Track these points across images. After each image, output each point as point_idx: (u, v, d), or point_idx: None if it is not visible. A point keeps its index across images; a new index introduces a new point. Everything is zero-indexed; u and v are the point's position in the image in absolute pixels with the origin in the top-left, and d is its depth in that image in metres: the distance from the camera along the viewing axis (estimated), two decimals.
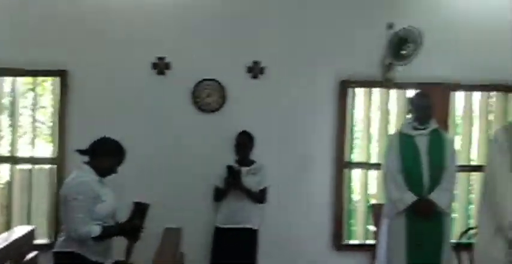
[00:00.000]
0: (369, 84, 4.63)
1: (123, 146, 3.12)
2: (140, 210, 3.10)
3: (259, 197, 4.05)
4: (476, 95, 4.78)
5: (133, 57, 4.37)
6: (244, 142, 4.10)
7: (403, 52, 4.43)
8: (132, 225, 3.12)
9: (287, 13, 4.52)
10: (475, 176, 4.72)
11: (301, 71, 4.52)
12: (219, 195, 4.06)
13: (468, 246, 3.70)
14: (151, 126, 4.37)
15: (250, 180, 4.01)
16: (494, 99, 4.79)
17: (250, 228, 4.04)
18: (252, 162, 4.13)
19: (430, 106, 3.76)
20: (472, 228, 3.95)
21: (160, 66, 4.40)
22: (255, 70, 4.48)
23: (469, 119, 4.77)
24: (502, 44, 4.59)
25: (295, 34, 4.52)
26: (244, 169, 4.03)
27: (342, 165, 4.58)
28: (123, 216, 3.14)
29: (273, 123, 4.48)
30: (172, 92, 4.41)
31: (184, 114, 4.42)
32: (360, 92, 4.70)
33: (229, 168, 3.96)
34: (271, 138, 4.41)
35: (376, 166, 4.39)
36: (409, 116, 3.91)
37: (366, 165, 4.68)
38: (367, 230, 4.62)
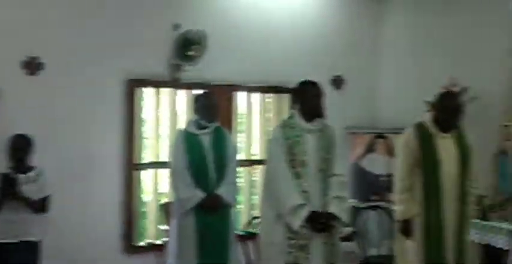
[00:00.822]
0: (157, 84, 4.59)
1: None
2: None
3: (40, 206, 3.66)
4: (256, 96, 5.13)
5: None
6: (19, 146, 3.66)
7: (189, 53, 4.50)
8: None
9: (71, 9, 4.18)
10: (257, 170, 5.07)
11: (85, 69, 4.21)
12: None
13: (253, 235, 3.93)
14: None
15: (29, 189, 3.59)
16: (271, 99, 5.20)
17: (31, 241, 3.63)
18: (30, 169, 3.72)
19: (214, 105, 3.87)
20: (255, 218, 4.21)
21: None
22: (32, 66, 4.05)
23: (250, 117, 5.10)
24: (279, 50, 5.05)
25: (79, 30, 4.20)
26: (21, 176, 3.60)
27: (131, 166, 4.45)
28: None
29: (54, 125, 4.09)
30: None
31: None
32: (148, 92, 4.63)
33: (4, 176, 3.51)
34: (53, 141, 4.03)
35: (166, 165, 4.37)
36: (194, 115, 3.97)
37: (156, 165, 4.63)
38: (159, 230, 4.58)
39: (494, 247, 4.05)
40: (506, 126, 4.21)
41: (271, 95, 5.21)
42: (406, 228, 3.40)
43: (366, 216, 4.52)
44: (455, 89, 4.26)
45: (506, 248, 3.92)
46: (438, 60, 5.08)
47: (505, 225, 3.98)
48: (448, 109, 3.38)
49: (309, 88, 3.29)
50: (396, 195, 3.46)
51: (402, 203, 3.40)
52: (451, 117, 3.39)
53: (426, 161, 3.36)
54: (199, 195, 3.70)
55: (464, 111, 3.53)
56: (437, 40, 5.14)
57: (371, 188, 5.19)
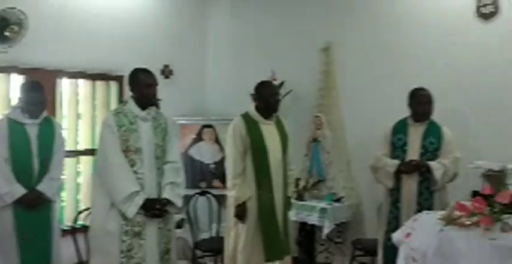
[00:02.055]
0: None
1: None
2: None
3: None
4: (82, 82, 4.90)
5: None
6: None
7: (6, 34, 4.11)
8: None
9: None
10: (83, 160, 4.86)
11: None
12: None
13: (84, 227, 3.78)
14: None
15: None
16: (98, 86, 5.01)
17: None
18: None
19: (41, 101, 3.62)
20: (83, 210, 4.05)
21: None
22: None
23: (75, 104, 4.85)
24: (107, 37, 4.89)
25: None
26: None
27: None
28: None
29: None
30: None
31: None
32: None
33: None
34: None
35: None
36: (17, 103, 3.66)
37: None
38: None
39: (308, 224, 4.54)
40: (317, 116, 4.70)
41: (98, 81, 5.01)
42: (241, 212, 3.56)
43: (195, 203, 4.65)
44: (275, 82, 4.62)
45: (318, 224, 4.41)
46: (259, 54, 5.46)
47: (317, 203, 4.48)
48: (265, 96, 3.66)
49: (142, 76, 3.28)
50: (229, 181, 3.61)
51: (236, 188, 3.57)
52: (270, 103, 3.66)
53: (255, 147, 3.60)
54: (18, 190, 3.45)
55: (280, 99, 3.86)
56: (259, 35, 5.51)
57: (199, 175, 5.36)
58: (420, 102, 3.68)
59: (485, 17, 4.04)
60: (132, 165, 3.15)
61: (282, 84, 4.95)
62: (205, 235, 4.76)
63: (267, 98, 3.67)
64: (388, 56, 4.56)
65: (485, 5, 4.03)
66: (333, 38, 4.85)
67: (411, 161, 3.62)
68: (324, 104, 4.89)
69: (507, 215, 2.31)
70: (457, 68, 4.17)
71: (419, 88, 3.73)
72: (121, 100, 4.80)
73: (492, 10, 3.99)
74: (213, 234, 4.70)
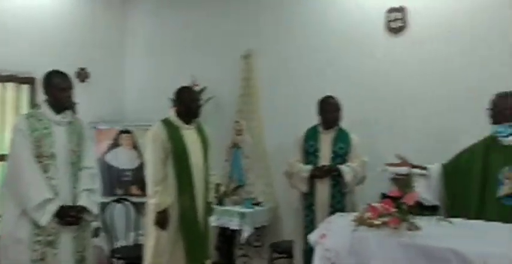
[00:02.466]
0: None
1: None
2: None
3: None
4: None
5: None
6: None
7: None
8: None
9: None
10: None
11: None
12: None
13: None
14: None
15: None
16: (8, 88, 4.77)
17: None
18: None
19: None
20: None
21: None
22: None
23: None
24: (20, 38, 4.67)
25: None
26: None
27: None
28: None
29: None
30: None
31: None
32: None
33: None
34: None
35: None
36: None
37: None
38: None
39: (228, 228, 4.58)
40: (238, 122, 4.78)
41: (9, 84, 4.76)
42: (162, 219, 3.50)
43: (112, 210, 4.54)
44: (196, 88, 4.63)
45: (238, 228, 4.47)
46: (180, 59, 5.45)
47: (237, 208, 4.53)
48: (186, 101, 3.65)
49: (57, 80, 3.15)
50: (150, 188, 3.53)
51: (157, 195, 3.50)
52: (191, 109, 3.66)
53: (176, 153, 3.57)
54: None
55: (201, 105, 3.88)
56: (180, 40, 5.51)
57: (116, 182, 5.24)
58: (328, 110, 3.87)
59: (395, 31, 4.31)
60: (45, 171, 3.03)
61: (203, 90, 4.97)
62: (121, 243, 4.65)
63: (187, 103, 3.67)
64: (305, 65, 4.73)
65: (394, 20, 4.30)
66: (254, 46, 4.96)
67: (323, 166, 3.79)
68: (245, 110, 4.97)
69: (412, 216, 2.49)
70: (367, 79, 4.42)
71: (327, 96, 3.92)
72: (33, 104, 4.59)
73: (401, 25, 4.27)
74: (130, 242, 4.60)
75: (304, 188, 3.85)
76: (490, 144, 3.21)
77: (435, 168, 3.33)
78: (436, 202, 3.30)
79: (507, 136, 3.12)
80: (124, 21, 5.81)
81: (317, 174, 3.79)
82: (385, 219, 2.50)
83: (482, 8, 3.97)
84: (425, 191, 3.26)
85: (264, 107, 4.95)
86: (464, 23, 4.02)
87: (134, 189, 5.18)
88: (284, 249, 4.33)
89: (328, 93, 3.96)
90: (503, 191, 3.04)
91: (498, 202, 3.06)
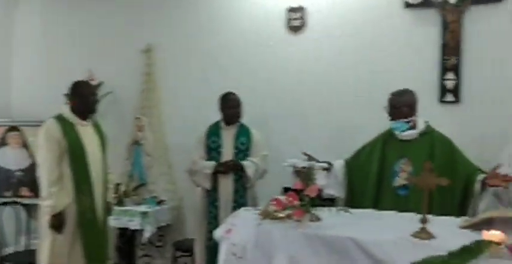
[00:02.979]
0: None
1: None
2: None
3: None
4: None
5: None
6: None
7: None
8: None
9: None
10: None
11: None
12: None
13: None
14: None
15: None
16: None
17: None
18: None
19: None
20: None
21: None
22: None
23: None
24: None
25: None
26: None
27: None
28: None
29: None
30: None
31: None
32: None
33: None
34: None
35: None
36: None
37: None
38: None
39: (129, 229, 4.43)
40: (138, 118, 4.64)
41: None
42: (58, 222, 3.29)
43: (0, 214, 4.21)
44: (93, 82, 4.43)
45: (139, 228, 4.34)
46: (75, 54, 5.17)
47: (138, 208, 4.40)
48: (82, 96, 3.47)
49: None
50: (45, 190, 3.30)
51: (52, 197, 3.28)
52: (87, 104, 3.48)
53: (72, 150, 3.37)
54: None
55: (99, 100, 3.71)
56: (74, 35, 5.21)
57: (4, 183, 4.86)
58: (229, 106, 3.90)
59: (295, 29, 4.44)
60: None
61: (100, 84, 4.76)
62: (11, 249, 4.32)
63: (84, 98, 3.48)
64: (208, 60, 4.72)
65: (294, 19, 4.42)
66: (154, 40, 4.84)
67: (227, 161, 3.81)
68: (146, 106, 4.85)
69: (315, 207, 2.57)
70: (269, 75, 4.51)
71: (228, 92, 3.95)
72: None
73: (300, 24, 4.41)
74: (22, 247, 4.29)
75: (207, 184, 3.85)
76: (387, 138, 3.42)
77: (339, 163, 3.47)
78: (340, 195, 3.45)
79: (403, 131, 3.34)
80: (12, 15, 5.38)
81: (221, 170, 3.80)
82: (289, 211, 2.56)
83: (373, 8, 4.21)
84: (330, 185, 3.40)
85: (165, 102, 4.85)
86: (358, 22, 4.25)
87: (24, 191, 4.84)
88: (187, 248, 4.29)
89: (230, 89, 3.99)
90: (398, 181, 3.26)
91: (394, 192, 3.27)
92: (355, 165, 3.47)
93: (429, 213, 2.38)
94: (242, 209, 3.04)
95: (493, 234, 2.10)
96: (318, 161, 3.34)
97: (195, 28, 4.76)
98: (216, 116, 3.98)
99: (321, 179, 3.08)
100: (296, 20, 4.42)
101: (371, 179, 3.36)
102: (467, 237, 2.16)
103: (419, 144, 3.31)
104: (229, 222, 2.77)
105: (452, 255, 2.09)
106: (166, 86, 4.84)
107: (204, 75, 4.71)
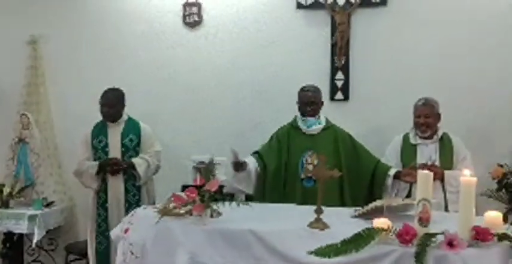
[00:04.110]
0: None
1: None
2: None
3: None
4: None
5: None
6: None
7: None
8: None
9: None
10: None
11: None
12: None
13: None
14: None
15: None
16: None
17: None
18: None
19: None
20: None
21: None
22: None
23: None
24: None
25: None
26: None
27: None
28: None
29: None
30: None
31: None
32: None
33: None
34: None
35: None
36: None
37: None
38: None
39: (15, 233, 4.12)
40: (24, 115, 4.31)
41: None
42: None
43: None
44: None
45: (27, 232, 4.05)
46: None
47: (25, 210, 4.10)
48: None
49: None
50: None
51: None
52: None
53: None
54: None
55: None
56: None
57: None
58: (104, 104, 3.74)
59: (191, 25, 4.41)
60: None
61: None
62: None
63: None
64: (99, 54, 4.51)
65: (190, 14, 4.39)
66: (40, 31, 4.53)
67: (111, 159, 3.70)
68: (31, 102, 4.52)
69: (215, 202, 2.57)
70: (164, 71, 4.43)
71: (107, 90, 3.79)
72: None
73: (196, 19, 4.38)
74: None
75: (95, 185, 3.75)
76: (292, 132, 3.57)
77: (250, 160, 3.51)
78: (250, 191, 3.51)
79: (310, 126, 3.52)
80: None
81: (109, 170, 3.68)
82: (190, 207, 2.53)
83: (267, 7, 4.31)
84: (242, 181, 3.44)
85: (54, 98, 4.57)
86: (252, 21, 4.33)
87: None
88: (80, 251, 4.09)
89: (119, 86, 3.86)
90: (304, 173, 3.42)
91: (300, 184, 3.42)
92: (263, 159, 3.54)
93: (340, 205, 2.48)
94: (142, 207, 2.97)
95: (382, 222, 2.24)
96: (237, 159, 3.30)
97: (85, 19, 4.53)
98: None
99: (222, 175, 3.09)
100: (192, 16, 4.39)
101: (279, 172, 3.47)
102: (359, 226, 2.28)
103: (324, 137, 3.52)
104: (127, 221, 2.69)
105: (345, 243, 2.20)
106: (54, 80, 4.56)
107: (95, 70, 4.51)
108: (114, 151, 3.73)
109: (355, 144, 3.57)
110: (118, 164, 3.68)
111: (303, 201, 3.16)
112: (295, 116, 3.63)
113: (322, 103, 3.62)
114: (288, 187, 3.45)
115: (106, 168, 3.68)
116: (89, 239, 3.84)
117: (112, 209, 3.71)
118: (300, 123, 3.56)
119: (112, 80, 4.22)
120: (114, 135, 3.75)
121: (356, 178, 3.44)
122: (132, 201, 3.71)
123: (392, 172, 3.40)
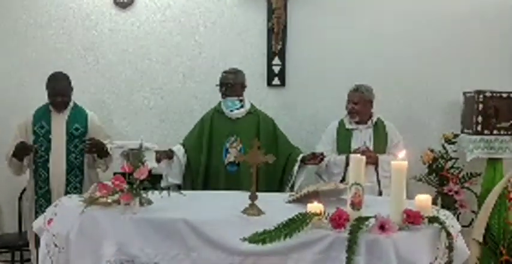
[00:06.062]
0: None
1: None
2: None
3: None
4: None
5: None
6: None
7: None
8: None
9: None
10: None
11: None
12: None
13: None
14: None
15: None
16: None
17: None
18: None
19: None
20: None
21: None
22: None
23: None
24: None
25: None
26: None
27: None
28: None
29: None
30: None
31: None
32: None
33: None
34: None
35: None
36: None
37: None
38: None
39: None
40: None
41: None
42: None
43: None
44: None
45: None
46: None
47: None
48: None
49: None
50: None
51: None
52: None
53: None
54: None
55: None
56: None
57: None
58: (54, 94, 3.44)
59: (122, 6, 4.19)
60: None
61: None
62: None
63: None
64: (28, 36, 4.20)
65: None
66: None
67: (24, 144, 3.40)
68: None
69: (145, 190, 2.44)
70: (93, 53, 4.21)
71: (53, 78, 3.47)
72: None
73: (126, 0, 4.18)
74: None
75: (18, 171, 3.50)
76: (216, 116, 3.50)
77: (178, 149, 3.43)
78: (178, 181, 3.41)
79: (230, 108, 3.45)
80: None
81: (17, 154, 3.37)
82: (117, 196, 2.39)
83: None
84: (173, 172, 3.37)
85: None
86: (186, 4, 4.18)
87: None
88: (7, 242, 3.86)
89: (57, 69, 3.59)
90: (228, 159, 3.37)
91: (225, 169, 3.37)
92: (189, 146, 3.47)
93: (256, 190, 2.42)
94: (66, 196, 2.78)
95: (315, 207, 2.20)
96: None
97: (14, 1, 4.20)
98: (44, 98, 3.54)
99: (152, 162, 2.94)
100: None
101: (203, 157, 3.39)
102: (293, 211, 2.23)
103: (247, 122, 3.47)
104: (51, 212, 2.51)
105: (279, 228, 2.14)
106: None
107: (25, 52, 4.20)
108: (57, 139, 3.45)
109: (277, 132, 3.55)
110: (28, 149, 3.37)
111: (227, 187, 3.14)
112: (220, 101, 3.55)
113: (242, 86, 3.53)
114: (212, 172, 3.39)
115: (20, 152, 3.36)
116: (29, 230, 3.53)
117: (54, 196, 3.39)
118: (223, 107, 3.49)
119: (40, 63, 3.96)
120: (59, 122, 3.47)
121: (272, 165, 3.38)
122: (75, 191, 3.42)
123: (299, 157, 3.40)
